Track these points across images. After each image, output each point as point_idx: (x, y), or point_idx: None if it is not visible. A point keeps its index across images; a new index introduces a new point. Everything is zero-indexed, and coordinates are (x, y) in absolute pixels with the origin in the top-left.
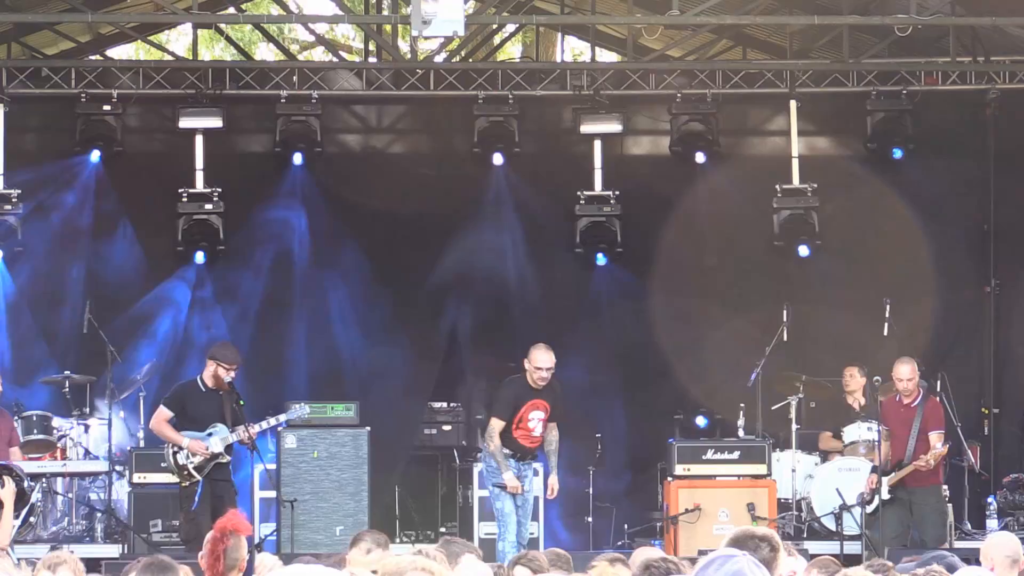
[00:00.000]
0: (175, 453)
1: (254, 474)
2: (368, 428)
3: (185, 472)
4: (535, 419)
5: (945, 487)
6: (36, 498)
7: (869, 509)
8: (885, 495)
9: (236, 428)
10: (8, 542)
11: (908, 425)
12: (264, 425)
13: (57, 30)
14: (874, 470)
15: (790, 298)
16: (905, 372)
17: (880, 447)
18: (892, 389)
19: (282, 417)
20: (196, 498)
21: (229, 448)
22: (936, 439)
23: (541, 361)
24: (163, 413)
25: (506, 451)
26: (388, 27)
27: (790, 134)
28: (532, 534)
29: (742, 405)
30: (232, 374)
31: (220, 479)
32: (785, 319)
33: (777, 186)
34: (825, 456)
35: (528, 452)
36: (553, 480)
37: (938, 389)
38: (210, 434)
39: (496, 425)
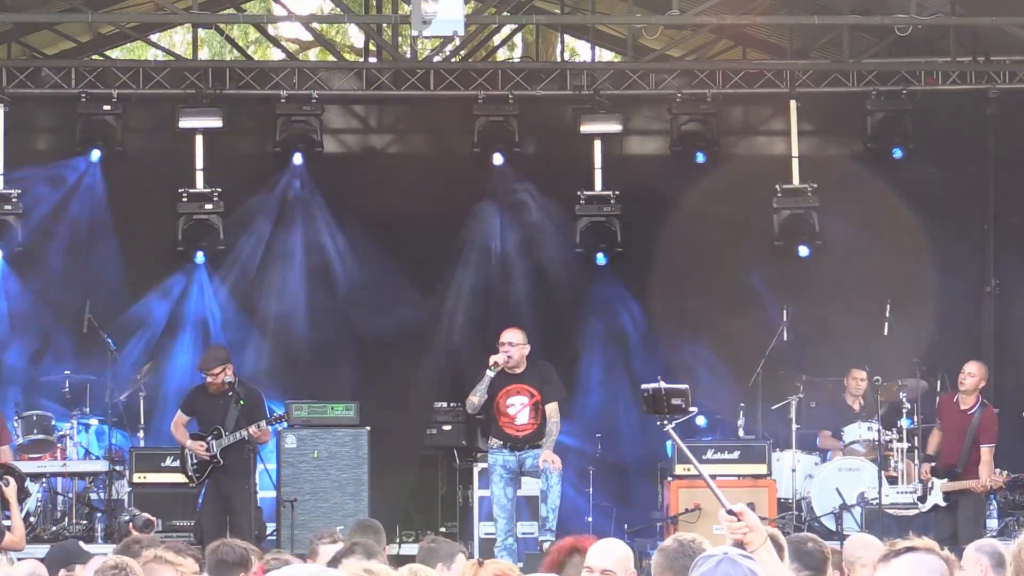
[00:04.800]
0: (184, 454)
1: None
2: (368, 428)
3: (188, 474)
4: (516, 404)
5: None
6: (36, 498)
7: (924, 508)
8: (941, 500)
9: (237, 430)
10: (24, 544)
11: (963, 432)
12: (243, 434)
13: (57, 30)
14: (927, 459)
15: (790, 298)
16: (973, 368)
17: (933, 436)
18: (893, 389)
19: (262, 424)
20: (200, 499)
21: (243, 448)
22: (988, 453)
23: (503, 336)
24: (179, 417)
25: (498, 442)
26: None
27: (790, 134)
28: (530, 533)
29: (742, 405)
30: (212, 377)
31: (225, 479)
32: (785, 319)
33: (777, 186)
34: (825, 456)
35: (519, 441)
36: (545, 454)
37: (938, 389)
38: (214, 436)
39: (469, 399)
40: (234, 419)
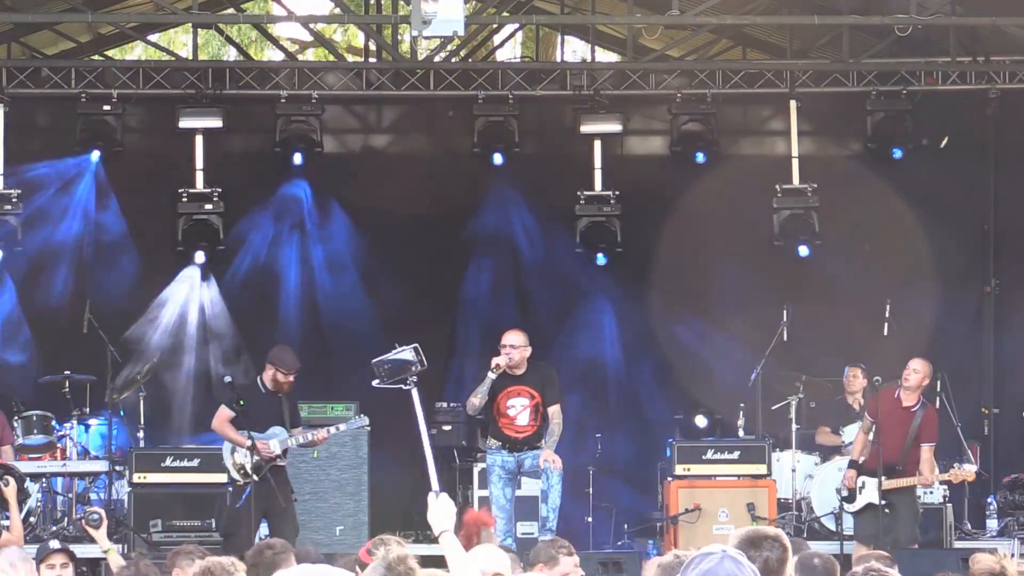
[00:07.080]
0: (233, 451)
1: None
2: (368, 428)
3: (242, 471)
4: (517, 406)
5: (945, 487)
6: (36, 498)
7: (853, 508)
8: (875, 499)
9: (293, 432)
10: (23, 544)
11: (904, 428)
12: (321, 433)
13: (57, 30)
14: (851, 465)
15: (790, 298)
16: (918, 365)
17: (859, 439)
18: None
19: (342, 426)
20: (244, 496)
21: (285, 451)
22: (928, 451)
23: (505, 338)
24: (224, 413)
25: (497, 443)
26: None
27: (790, 134)
28: (531, 533)
29: (742, 405)
30: (291, 378)
31: (276, 479)
32: (785, 319)
33: (777, 186)
34: (824, 455)
35: (518, 443)
36: (545, 454)
37: (938, 389)
38: (271, 436)
39: (470, 401)
40: (291, 420)
